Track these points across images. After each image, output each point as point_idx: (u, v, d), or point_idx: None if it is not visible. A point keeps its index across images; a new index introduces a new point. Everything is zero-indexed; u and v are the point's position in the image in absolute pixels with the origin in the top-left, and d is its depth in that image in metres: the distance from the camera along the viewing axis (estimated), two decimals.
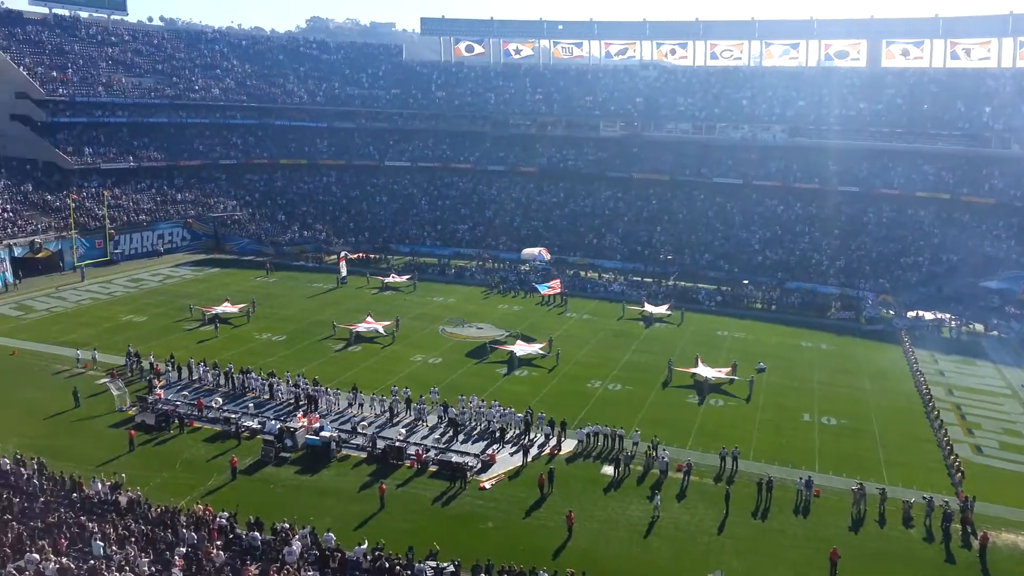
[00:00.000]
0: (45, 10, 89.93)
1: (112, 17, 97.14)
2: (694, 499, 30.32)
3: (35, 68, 79.11)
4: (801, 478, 30.95)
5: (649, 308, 57.72)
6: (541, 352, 46.83)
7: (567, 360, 46.30)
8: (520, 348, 46.69)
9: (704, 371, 43.34)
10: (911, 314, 58.21)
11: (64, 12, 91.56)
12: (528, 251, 70.66)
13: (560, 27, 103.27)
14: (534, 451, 34.28)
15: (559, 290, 61.26)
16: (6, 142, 76.78)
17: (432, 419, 36.93)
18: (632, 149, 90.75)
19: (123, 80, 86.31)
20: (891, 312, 59.45)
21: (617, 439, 34.74)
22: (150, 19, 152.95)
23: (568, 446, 34.75)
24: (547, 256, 70.41)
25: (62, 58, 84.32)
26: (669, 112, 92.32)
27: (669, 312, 57.90)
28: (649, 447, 33.63)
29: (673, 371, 43.98)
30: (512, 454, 33.99)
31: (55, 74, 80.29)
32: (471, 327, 53.25)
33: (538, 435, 35.52)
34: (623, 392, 41.85)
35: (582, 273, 69.37)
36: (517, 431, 35.85)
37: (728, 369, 44.03)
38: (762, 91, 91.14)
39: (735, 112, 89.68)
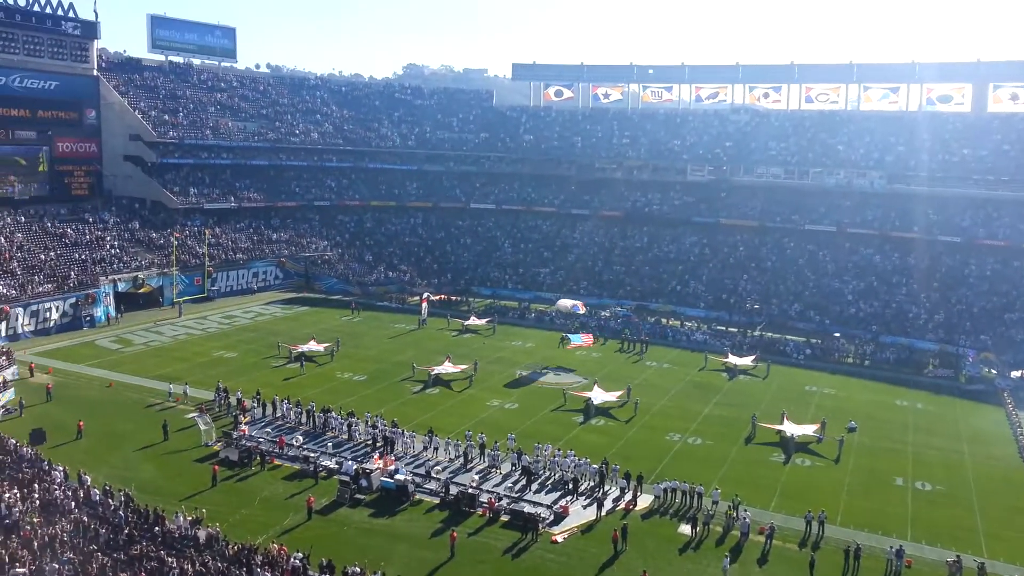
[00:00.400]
0: (162, 58, 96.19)
1: (223, 64, 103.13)
2: (776, 565, 28.89)
3: (149, 112, 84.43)
4: (892, 547, 29.13)
5: (733, 359, 56.06)
6: (619, 401, 46.02)
7: (645, 411, 45.33)
8: (597, 396, 46.03)
9: (790, 428, 41.56)
10: (1015, 374, 54.53)
11: (179, 59, 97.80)
12: (563, 302, 67.80)
13: (650, 71, 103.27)
14: (608, 505, 33.44)
15: (591, 343, 58.57)
16: (118, 181, 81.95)
17: (506, 466, 36.63)
18: (720, 194, 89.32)
19: (229, 124, 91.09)
20: (993, 371, 55.81)
21: (696, 496, 33.59)
22: (257, 66, 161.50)
23: (644, 501, 33.81)
24: (582, 309, 67.00)
25: (174, 102, 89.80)
26: (760, 156, 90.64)
27: (754, 364, 56.07)
28: (730, 507, 32.37)
29: (757, 427, 42.43)
30: (586, 507, 33.26)
31: (167, 118, 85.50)
32: (549, 373, 52.93)
33: (613, 488, 34.71)
34: (703, 447, 40.56)
35: (664, 320, 68.15)
36: (592, 483, 35.14)
37: (816, 427, 42.08)
38: (859, 135, 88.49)
39: (830, 157, 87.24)
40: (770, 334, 64.16)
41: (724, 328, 65.93)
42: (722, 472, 37.21)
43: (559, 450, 36.99)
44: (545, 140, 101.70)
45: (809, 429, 41.80)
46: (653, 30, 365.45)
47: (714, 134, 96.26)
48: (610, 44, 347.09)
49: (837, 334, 63.44)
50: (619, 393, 46.74)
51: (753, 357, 57.13)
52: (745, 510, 32.04)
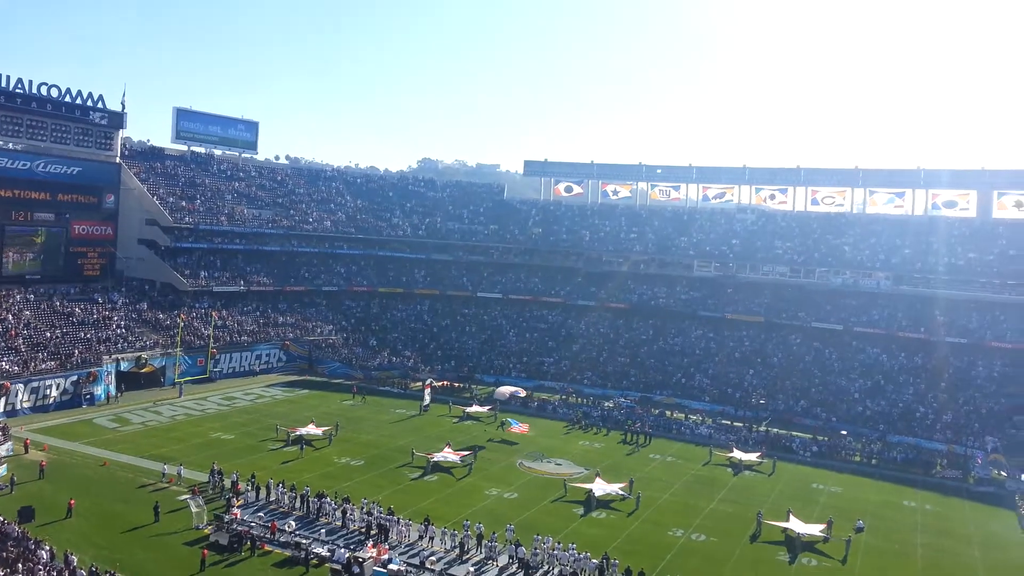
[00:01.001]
0: (184, 147, 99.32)
1: (243, 155, 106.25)
2: None
3: (167, 198, 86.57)
4: None
5: (738, 454, 55.02)
6: (621, 494, 44.99)
7: (648, 504, 44.24)
8: (599, 487, 45.04)
9: (797, 526, 40.35)
10: None
11: (201, 149, 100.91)
12: (503, 389, 68.62)
13: (659, 171, 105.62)
14: None
15: (526, 431, 58.22)
16: (131, 263, 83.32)
17: (503, 559, 35.54)
18: (726, 290, 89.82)
19: (244, 211, 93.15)
20: (1003, 473, 54.52)
21: None
22: (277, 158, 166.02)
23: None
24: (522, 393, 69.04)
25: (193, 189, 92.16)
26: (766, 255, 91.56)
27: (760, 460, 54.97)
28: None
29: (763, 524, 41.24)
30: None
31: (184, 204, 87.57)
32: (549, 462, 52.07)
33: None
34: (707, 543, 39.33)
35: (668, 413, 67.34)
36: None
37: (823, 526, 40.83)
38: (865, 238, 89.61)
39: (836, 257, 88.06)
40: (776, 430, 63.14)
41: (729, 422, 64.99)
42: (726, 570, 35.99)
43: (559, 543, 35.96)
44: (554, 233, 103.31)
45: (816, 528, 40.57)
46: (662, 131, 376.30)
47: (721, 232, 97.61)
48: (619, 144, 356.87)
49: (844, 432, 62.39)
50: (621, 485, 45.72)
51: (759, 453, 56.07)
52: None
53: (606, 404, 68.67)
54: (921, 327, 76.69)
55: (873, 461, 57.66)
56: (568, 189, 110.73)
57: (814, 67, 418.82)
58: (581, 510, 43.06)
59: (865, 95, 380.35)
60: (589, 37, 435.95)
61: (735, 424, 64.44)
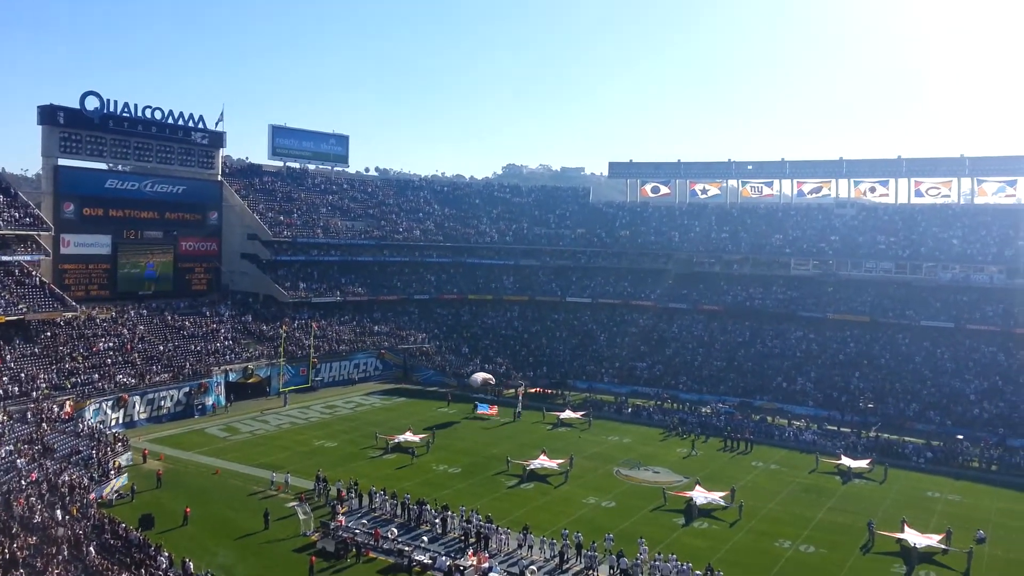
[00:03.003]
0: (280, 164, 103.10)
1: (335, 169, 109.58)
2: None
3: (266, 213, 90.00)
4: None
5: (847, 461, 52.74)
6: (723, 503, 43.81)
7: (751, 514, 42.91)
8: (700, 496, 44.01)
9: (912, 537, 38.33)
10: None
11: (296, 165, 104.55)
12: (476, 375, 73.06)
13: (749, 167, 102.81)
14: None
15: (495, 413, 65.07)
16: (235, 277, 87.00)
17: (604, 569, 35.12)
18: (827, 288, 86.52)
19: (339, 223, 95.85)
20: None
21: None
22: (367, 169, 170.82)
23: None
24: (492, 381, 72.57)
25: (289, 204, 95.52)
26: (869, 250, 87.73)
27: (870, 467, 52.54)
28: None
29: (875, 534, 39.39)
30: None
31: (282, 218, 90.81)
32: (647, 470, 51.27)
33: None
34: (816, 555, 37.83)
35: (769, 419, 65.20)
36: None
37: (941, 536, 38.67)
38: (974, 229, 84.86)
39: (944, 251, 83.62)
40: (886, 435, 60.13)
41: (836, 428, 62.36)
42: None
43: (659, 553, 35.29)
44: (642, 235, 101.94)
45: (933, 539, 38.44)
46: (751, 126, 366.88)
47: (818, 228, 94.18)
48: (707, 141, 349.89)
49: (960, 436, 58.99)
50: (723, 494, 44.53)
51: (868, 460, 53.59)
52: None
53: (703, 410, 67.12)
54: None
55: (993, 467, 54.28)
56: (655, 190, 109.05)
57: (913, 51, 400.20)
58: (682, 520, 42.17)
59: (968, 80, 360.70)
60: (667, 35, 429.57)
61: (842, 429, 61.78)
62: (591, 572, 34.98)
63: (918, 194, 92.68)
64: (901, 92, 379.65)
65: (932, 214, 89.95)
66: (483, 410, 65.51)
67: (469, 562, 34.34)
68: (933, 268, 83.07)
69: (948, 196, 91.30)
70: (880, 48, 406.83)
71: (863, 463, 52.87)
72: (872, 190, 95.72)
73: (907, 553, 37.52)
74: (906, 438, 59.56)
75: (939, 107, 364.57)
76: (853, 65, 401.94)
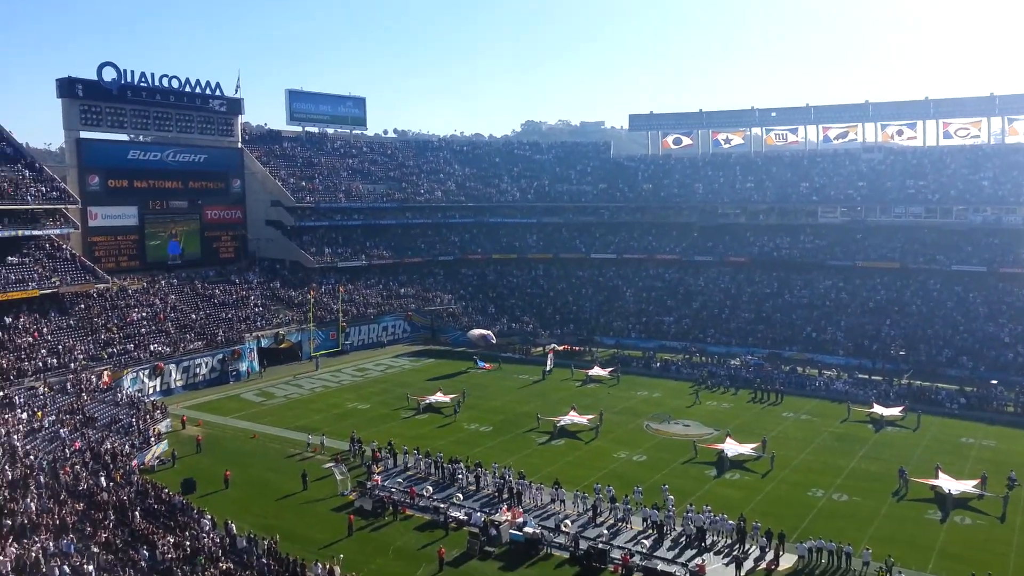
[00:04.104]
0: (299, 129, 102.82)
1: (354, 132, 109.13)
2: None
3: (288, 179, 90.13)
4: None
5: (879, 409, 52.51)
6: (754, 454, 43.92)
7: (783, 464, 43.01)
8: (731, 447, 44.16)
9: (947, 483, 38.25)
10: None
11: (314, 129, 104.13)
12: (474, 331, 74.77)
13: (773, 114, 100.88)
14: (749, 564, 31.63)
15: (489, 368, 67.41)
16: (261, 244, 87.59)
17: (637, 521, 35.50)
18: (855, 235, 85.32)
19: (360, 187, 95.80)
20: None
21: (844, 557, 31.33)
22: (385, 132, 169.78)
23: (787, 561, 31.77)
24: (494, 340, 73.53)
25: (310, 169, 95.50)
26: (897, 196, 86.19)
27: (903, 415, 52.25)
28: (882, 568, 29.97)
29: (909, 482, 39.34)
30: (726, 565, 31.65)
31: (304, 184, 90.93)
32: (677, 424, 51.52)
33: (753, 547, 32.89)
34: (850, 503, 37.93)
35: (800, 369, 64.93)
36: (729, 540, 33.49)
37: (977, 482, 38.51)
38: (1006, 170, 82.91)
39: (974, 193, 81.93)
40: (919, 382, 59.70)
41: (867, 376, 61.96)
42: (872, 531, 34.59)
43: (691, 504, 35.55)
44: (665, 188, 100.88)
45: (968, 484, 38.31)
46: (773, 72, 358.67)
47: (845, 175, 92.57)
48: (728, 89, 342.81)
49: (995, 381, 58.33)
50: (754, 445, 44.60)
51: (901, 407, 53.25)
52: (900, 571, 29.61)
53: (732, 362, 66.93)
54: None
55: None
56: (677, 141, 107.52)
57: None
58: (713, 472, 42.40)
59: (994, 15, 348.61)
60: None
61: (873, 378, 61.38)
62: (624, 524, 35.39)
63: (947, 135, 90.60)
64: (925, 31, 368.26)
65: (961, 156, 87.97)
66: (482, 366, 68.05)
67: (504, 517, 34.87)
68: (964, 211, 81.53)
69: (978, 136, 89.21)
70: None
71: (895, 411, 52.61)
72: (900, 133, 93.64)
73: (942, 499, 37.48)
74: (939, 384, 59.11)
75: (966, 45, 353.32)
76: (874, 4, 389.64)
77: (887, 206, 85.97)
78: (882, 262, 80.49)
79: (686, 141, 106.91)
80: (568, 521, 35.43)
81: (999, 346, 65.40)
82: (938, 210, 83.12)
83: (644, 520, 35.26)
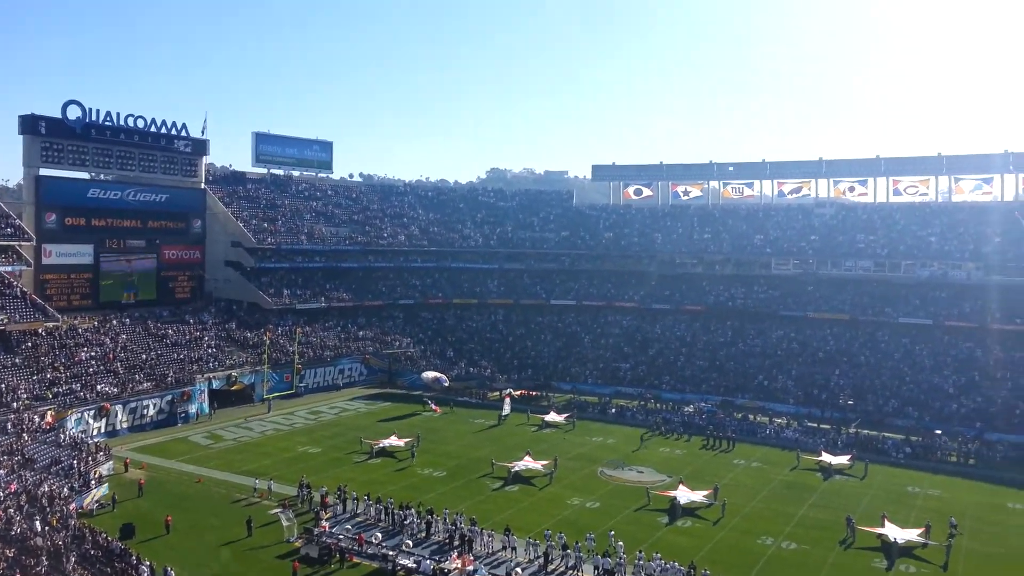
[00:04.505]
0: (264, 171, 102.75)
1: (319, 175, 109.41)
2: None
3: (250, 220, 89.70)
4: None
5: (827, 458, 53.31)
6: (706, 501, 44.16)
7: (734, 512, 43.30)
8: (683, 494, 44.36)
9: (893, 531, 38.84)
10: None
11: (280, 172, 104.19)
12: (427, 374, 75.40)
13: (730, 168, 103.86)
14: None
15: (438, 411, 68.12)
16: (218, 284, 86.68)
17: (588, 569, 35.34)
18: (807, 287, 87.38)
19: (323, 230, 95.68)
20: None
21: None
22: (351, 176, 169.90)
23: None
24: (446, 382, 74.27)
25: (274, 211, 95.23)
26: (848, 249, 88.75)
27: (851, 463, 53.06)
28: None
29: (856, 529, 39.85)
30: None
31: (266, 225, 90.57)
32: (631, 470, 51.62)
33: None
34: (799, 551, 38.22)
35: (751, 416, 65.71)
36: None
37: (921, 531, 39.16)
38: (952, 227, 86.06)
39: (922, 249, 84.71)
40: (866, 431, 60.76)
41: (816, 425, 62.95)
42: None
43: (640, 551, 35.54)
44: (625, 237, 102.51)
45: (913, 533, 38.95)
46: (731, 128, 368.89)
47: (798, 228, 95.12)
48: (688, 143, 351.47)
49: (939, 431, 59.67)
50: (706, 493, 44.89)
51: (849, 456, 54.09)
52: None
53: (686, 409, 67.55)
54: (1016, 318, 72.91)
55: (971, 461, 55.09)
56: (638, 192, 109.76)
57: (889, 50, 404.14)
58: (666, 519, 42.49)
59: (944, 78, 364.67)
60: (645, 37, 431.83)
61: (823, 426, 62.37)
62: (575, 572, 35.21)
63: (896, 192, 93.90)
64: (878, 92, 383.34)
65: (910, 212, 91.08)
66: (433, 408, 68.88)
67: (454, 565, 34.47)
68: (912, 266, 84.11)
69: (926, 195, 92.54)
70: (856, 48, 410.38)
71: (844, 459, 53.40)
72: (851, 189, 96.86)
73: (888, 548, 37.97)
74: (885, 434, 60.21)
75: (916, 106, 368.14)
76: (831, 65, 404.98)
77: (838, 259, 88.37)
78: (832, 313, 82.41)
79: (647, 192, 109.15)
80: (519, 569, 35.09)
81: (943, 397, 67.02)
82: (887, 264, 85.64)
83: (595, 568, 35.13)
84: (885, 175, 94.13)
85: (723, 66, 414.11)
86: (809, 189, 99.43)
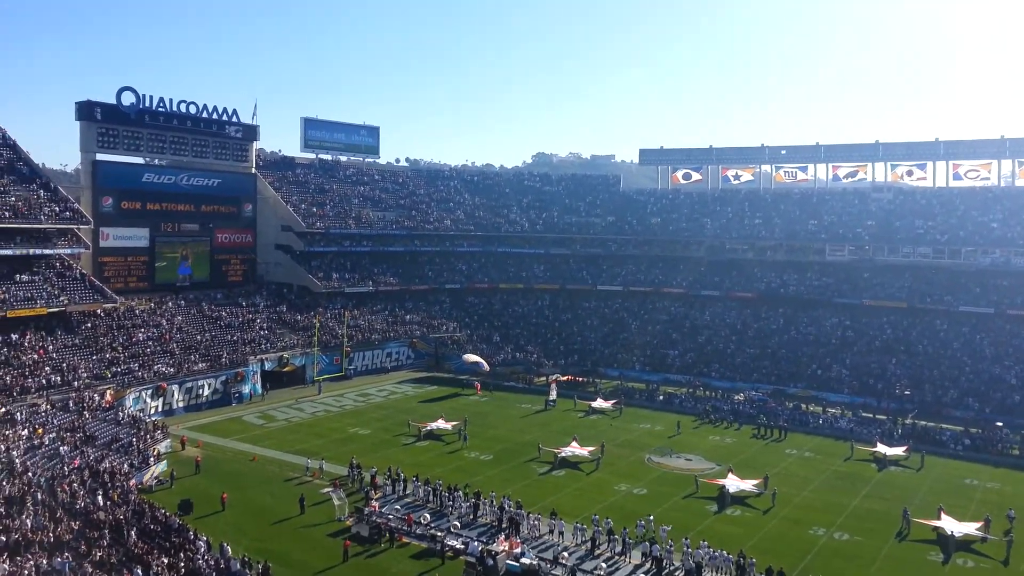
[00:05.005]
0: (313, 156, 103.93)
1: (366, 160, 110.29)
2: None
3: (299, 205, 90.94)
4: None
5: (882, 449, 52.06)
6: (756, 490, 43.53)
7: (785, 502, 42.60)
8: (733, 483, 43.79)
9: (950, 524, 37.82)
10: None
11: (328, 157, 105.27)
12: (468, 356, 75.90)
13: (783, 152, 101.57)
14: None
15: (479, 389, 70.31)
16: (269, 268, 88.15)
17: (636, 555, 35.16)
18: (862, 274, 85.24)
19: (370, 214, 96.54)
20: None
21: None
22: (397, 160, 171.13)
23: None
24: (485, 366, 73.57)
25: (322, 195, 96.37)
26: (906, 235, 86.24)
27: (907, 455, 51.78)
28: None
29: (911, 522, 38.88)
30: None
31: (315, 210, 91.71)
32: (679, 458, 51.15)
33: None
34: (851, 543, 37.48)
35: (804, 406, 64.49)
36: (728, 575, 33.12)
37: (980, 524, 38.06)
38: (1015, 212, 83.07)
39: (983, 235, 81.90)
40: (923, 422, 59.24)
41: (871, 415, 61.55)
42: (873, 571, 34.25)
43: (686, 539, 35.18)
44: (673, 222, 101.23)
45: (971, 527, 37.87)
46: (784, 110, 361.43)
47: (854, 213, 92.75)
48: (739, 126, 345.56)
49: (1000, 423, 57.84)
50: (756, 482, 44.22)
51: (905, 447, 52.78)
52: None
53: (736, 397, 66.62)
54: None
55: None
56: (686, 176, 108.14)
57: (949, 30, 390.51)
58: (714, 507, 42.03)
59: (1007, 58, 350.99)
60: (697, 19, 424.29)
61: (878, 417, 60.96)
62: (623, 558, 35.07)
63: (956, 177, 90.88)
64: (938, 72, 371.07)
65: (971, 197, 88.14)
66: (476, 386, 71.07)
67: (501, 547, 34.60)
68: (972, 252, 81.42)
69: (988, 179, 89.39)
70: (915, 27, 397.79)
71: (899, 450, 52.16)
72: (909, 173, 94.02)
73: (944, 541, 37.03)
74: (943, 425, 58.67)
75: (976, 88, 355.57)
76: (888, 45, 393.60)
77: (895, 245, 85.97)
78: (889, 301, 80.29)
79: (695, 176, 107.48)
80: (566, 553, 35.12)
81: (1005, 388, 64.91)
82: (946, 251, 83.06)
83: (643, 555, 34.94)
84: (945, 159, 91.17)
85: (774, 48, 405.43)
86: (865, 173, 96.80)
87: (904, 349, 74.00)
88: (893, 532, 38.64)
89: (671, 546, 34.78)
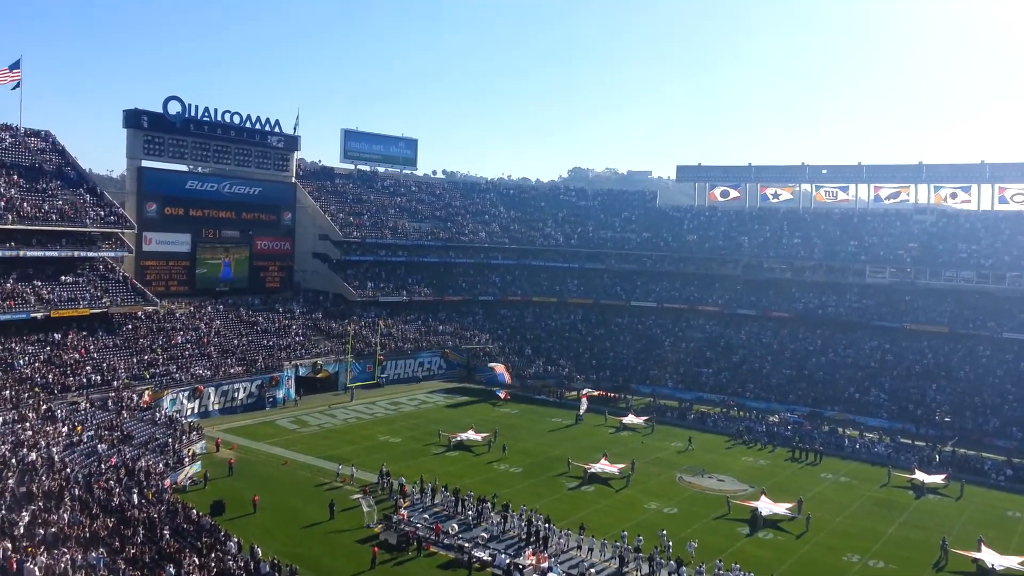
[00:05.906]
0: (351, 167, 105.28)
1: (404, 172, 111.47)
2: None
3: (337, 214, 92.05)
4: None
5: (921, 476, 50.84)
6: (789, 514, 42.76)
7: (819, 527, 41.77)
8: (765, 506, 43.07)
9: (990, 557, 36.75)
10: None
11: (366, 168, 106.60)
12: (494, 365, 78.24)
13: (824, 171, 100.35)
14: None
15: (505, 396, 71.93)
16: (306, 276, 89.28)
17: (664, 574, 34.70)
18: (904, 297, 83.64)
19: (406, 225, 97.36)
20: None
21: None
22: (434, 172, 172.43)
23: None
24: (508, 379, 76.48)
25: (360, 206, 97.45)
26: (949, 259, 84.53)
27: (945, 483, 50.53)
28: None
29: (950, 552, 37.85)
30: None
31: (352, 219, 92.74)
32: (711, 478, 50.48)
33: None
34: (887, 571, 36.60)
35: (840, 430, 63.24)
36: None
37: (1022, 559, 36.92)
38: None
39: None
40: (964, 450, 57.77)
41: (910, 441, 60.19)
42: None
43: (719, 561, 34.66)
44: (709, 240, 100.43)
45: (1015, 561, 36.73)
46: (825, 130, 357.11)
47: (896, 235, 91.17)
48: (779, 145, 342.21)
49: None
50: (789, 505, 43.48)
51: (944, 475, 51.51)
52: None
53: (771, 419, 65.61)
54: None
55: None
56: (724, 193, 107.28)
57: (995, 51, 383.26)
58: (746, 529, 41.36)
59: None
60: (737, 36, 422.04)
61: (916, 443, 59.61)
62: None
63: (1002, 200, 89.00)
64: (984, 94, 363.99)
65: (1017, 221, 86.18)
66: (501, 394, 72.66)
67: (528, 561, 34.39)
68: (1017, 277, 79.50)
69: None
70: (961, 47, 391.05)
71: (938, 478, 50.91)
72: (953, 196, 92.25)
73: (984, 574, 36.02)
74: (985, 454, 57.14)
75: (1022, 108, 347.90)
76: (933, 65, 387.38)
77: (938, 269, 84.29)
78: (930, 325, 78.64)
79: (733, 194, 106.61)
80: (593, 570, 34.81)
81: None
82: (991, 275, 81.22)
83: (669, 574, 34.46)
84: (990, 181, 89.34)
85: (816, 66, 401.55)
86: (908, 195, 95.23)
87: (945, 375, 72.35)
88: (930, 562, 37.64)
89: (702, 568, 34.25)
